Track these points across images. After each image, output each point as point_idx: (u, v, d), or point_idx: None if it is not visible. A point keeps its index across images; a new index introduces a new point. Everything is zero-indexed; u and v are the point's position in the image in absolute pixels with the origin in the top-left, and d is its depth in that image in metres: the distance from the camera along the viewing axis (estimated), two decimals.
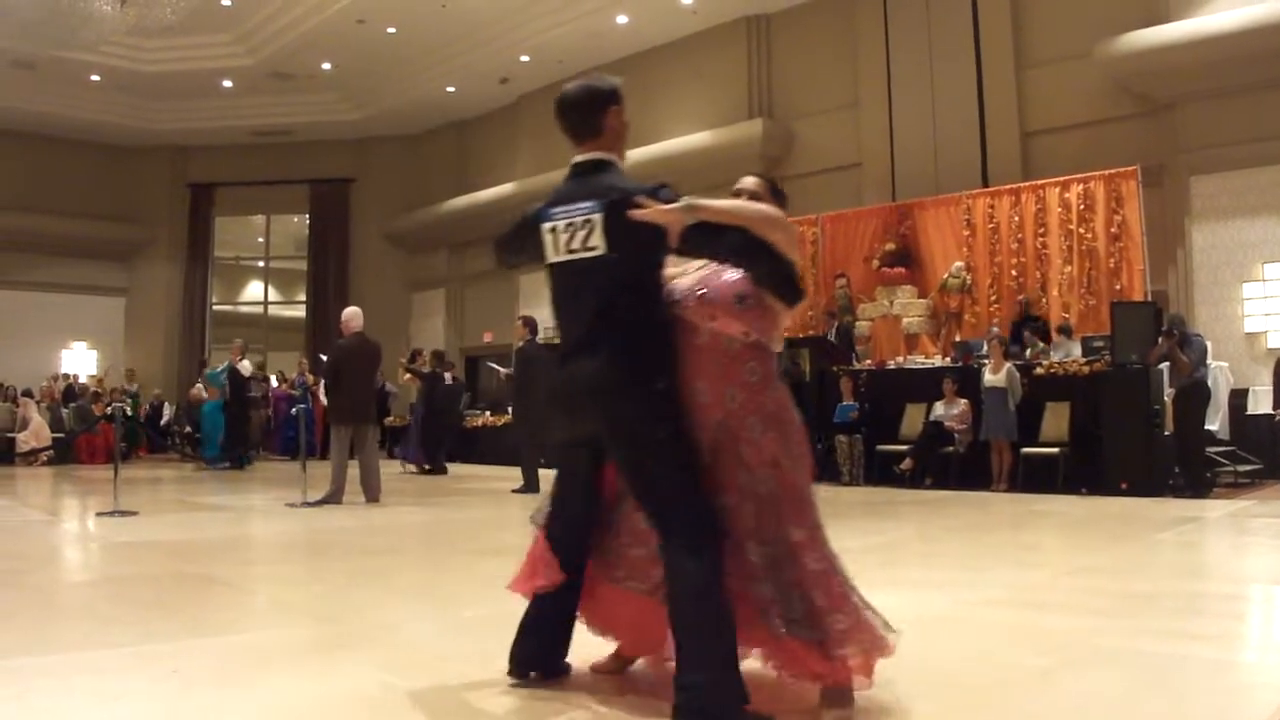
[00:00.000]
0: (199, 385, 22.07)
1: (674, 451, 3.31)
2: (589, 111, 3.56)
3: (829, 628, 3.23)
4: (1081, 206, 14.96)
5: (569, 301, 3.57)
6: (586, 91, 3.58)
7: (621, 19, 20.06)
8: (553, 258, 3.55)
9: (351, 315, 11.81)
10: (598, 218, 3.38)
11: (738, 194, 3.61)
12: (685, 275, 3.53)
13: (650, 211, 3.25)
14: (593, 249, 3.41)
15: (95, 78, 23.27)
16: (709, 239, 3.31)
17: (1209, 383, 12.29)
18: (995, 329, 14.53)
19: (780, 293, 3.36)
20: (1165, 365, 11.85)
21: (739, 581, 3.28)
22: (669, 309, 3.44)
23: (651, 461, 3.33)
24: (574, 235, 3.45)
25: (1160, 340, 11.64)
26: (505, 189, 24.01)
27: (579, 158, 3.58)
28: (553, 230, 3.52)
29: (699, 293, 3.41)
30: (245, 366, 18.39)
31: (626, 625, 3.71)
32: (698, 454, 3.35)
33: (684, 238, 3.28)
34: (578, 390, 3.45)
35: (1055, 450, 12.18)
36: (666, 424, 3.32)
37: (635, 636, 3.72)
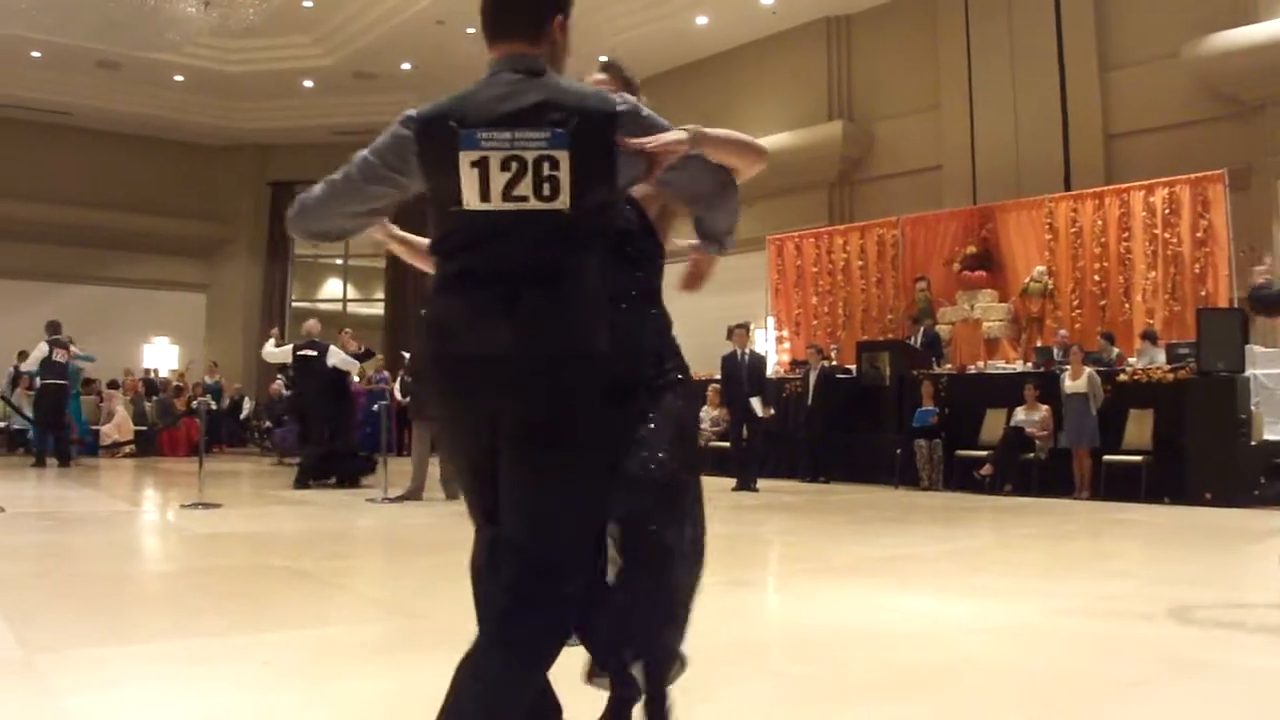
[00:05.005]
0: (278, 380, 22.37)
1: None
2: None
3: None
4: (1166, 210, 14.65)
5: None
6: None
7: (701, 20, 20.03)
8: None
9: None
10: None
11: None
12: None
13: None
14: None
15: (179, 78, 23.68)
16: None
17: None
18: (1063, 332, 14.57)
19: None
20: None
21: None
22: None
23: None
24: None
25: None
26: None
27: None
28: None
29: None
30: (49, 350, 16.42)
31: None
32: None
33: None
34: None
35: (1138, 459, 11.96)
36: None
37: None
